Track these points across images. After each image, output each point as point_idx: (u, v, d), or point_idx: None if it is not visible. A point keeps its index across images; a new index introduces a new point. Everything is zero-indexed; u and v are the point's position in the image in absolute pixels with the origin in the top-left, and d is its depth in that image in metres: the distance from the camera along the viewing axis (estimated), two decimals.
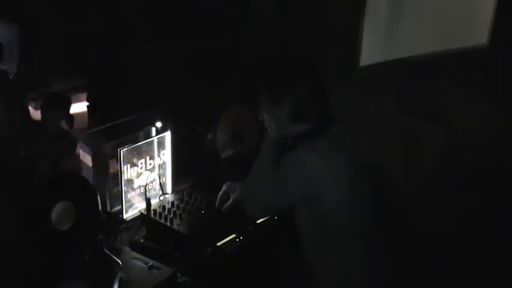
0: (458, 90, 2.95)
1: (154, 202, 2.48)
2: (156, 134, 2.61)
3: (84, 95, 2.85)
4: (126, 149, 2.41)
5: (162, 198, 2.54)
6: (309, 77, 2.00)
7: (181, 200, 2.51)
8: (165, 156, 2.62)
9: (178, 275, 2.10)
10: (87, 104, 2.72)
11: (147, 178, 2.51)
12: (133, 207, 2.51)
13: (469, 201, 3.05)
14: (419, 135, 2.88)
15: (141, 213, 2.43)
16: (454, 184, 3.06)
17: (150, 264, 2.08)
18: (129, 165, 2.45)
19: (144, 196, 2.49)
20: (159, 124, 2.64)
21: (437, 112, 2.98)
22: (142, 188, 2.52)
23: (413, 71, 2.79)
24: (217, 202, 2.42)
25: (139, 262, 2.10)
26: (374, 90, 2.75)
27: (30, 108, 2.72)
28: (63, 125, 2.61)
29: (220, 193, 2.43)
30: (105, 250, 2.08)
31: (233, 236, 2.25)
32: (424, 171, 3.02)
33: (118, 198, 2.47)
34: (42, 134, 2.62)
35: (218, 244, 2.20)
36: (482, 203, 3.03)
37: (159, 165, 2.60)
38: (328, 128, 2.05)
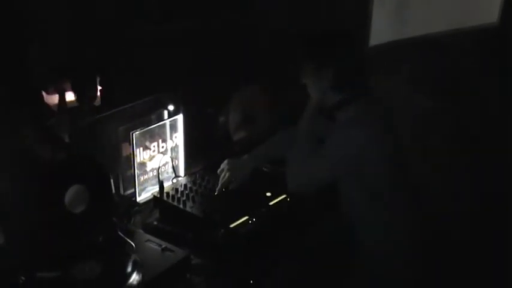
0: (469, 68, 2.91)
1: (167, 185, 2.49)
2: (169, 117, 2.61)
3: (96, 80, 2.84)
4: (138, 132, 2.41)
5: (174, 181, 2.55)
6: (351, 48, 2.16)
7: (194, 182, 2.51)
8: (178, 139, 2.62)
9: (192, 257, 2.11)
10: (100, 87, 2.71)
11: (160, 161, 2.52)
12: (146, 190, 2.52)
13: (483, 180, 3.02)
14: (430, 114, 2.86)
15: (154, 196, 2.44)
16: (467, 163, 3.04)
17: (164, 246, 2.09)
18: (141, 148, 2.45)
19: (157, 179, 2.49)
20: (171, 107, 2.64)
21: (449, 91, 2.95)
22: (155, 171, 2.52)
23: (424, 50, 2.76)
24: (219, 183, 2.42)
25: (152, 244, 2.11)
26: (384, 70, 2.72)
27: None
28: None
29: (223, 173, 2.43)
30: (119, 233, 2.09)
31: (246, 218, 2.25)
32: (436, 150, 3.00)
33: (131, 181, 2.48)
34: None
35: (231, 226, 2.20)
36: (496, 181, 3.01)
37: (171, 148, 2.60)
38: (364, 97, 2.18)
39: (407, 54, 2.61)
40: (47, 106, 2.63)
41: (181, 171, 2.66)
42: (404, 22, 2.49)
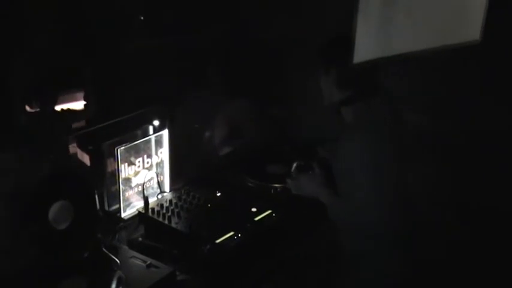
0: (452, 86, 2.96)
1: (152, 200, 2.48)
2: (154, 132, 2.61)
3: (81, 94, 2.84)
4: (123, 147, 2.41)
5: (160, 196, 2.54)
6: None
7: (179, 198, 2.51)
8: (163, 154, 2.62)
9: (177, 273, 2.11)
10: (85, 102, 2.70)
11: (145, 176, 2.51)
12: (131, 205, 2.51)
13: (474, 196, 3.05)
14: (416, 131, 2.89)
15: (139, 211, 2.43)
16: (457, 178, 3.07)
17: (149, 262, 2.08)
18: (126, 164, 2.45)
19: (142, 194, 2.49)
20: (156, 122, 2.64)
21: (434, 108, 3.00)
22: (140, 186, 2.51)
23: (408, 68, 2.80)
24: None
25: (137, 261, 2.10)
26: (369, 87, 2.75)
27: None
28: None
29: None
30: (103, 249, 2.08)
31: (231, 233, 2.25)
32: (425, 166, 3.02)
33: (116, 197, 2.47)
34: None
35: (217, 241, 2.20)
36: (488, 197, 3.03)
37: (156, 164, 2.60)
38: (369, 96, 2.28)
39: (391, 71, 2.64)
40: (29, 121, 2.62)
41: (167, 186, 2.66)
42: (388, 39, 2.52)
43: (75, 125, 2.59)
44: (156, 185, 2.59)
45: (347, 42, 2.16)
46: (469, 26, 2.72)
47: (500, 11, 2.67)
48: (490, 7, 2.63)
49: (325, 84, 2.35)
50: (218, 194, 2.55)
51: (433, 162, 3.07)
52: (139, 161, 2.50)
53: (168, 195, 2.56)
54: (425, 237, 2.53)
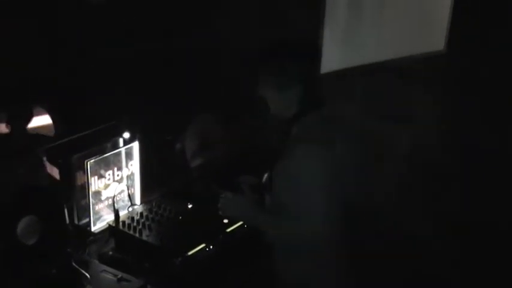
0: (418, 94, 3.01)
1: (122, 213, 2.47)
2: (124, 145, 2.59)
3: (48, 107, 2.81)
4: (93, 160, 2.39)
5: (130, 209, 2.52)
6: (305, 63, 2.10)
7: (150, 210, 2.49)
8: (133, 166, 2.60)
9: (148, 286, 2.09)
10: (52, 115, 2.68)
11: (115, 189, 2.50)
12: (102, 219, 2.49)
13: (437, 201, 3.10)
14: (383, 139, 2.94)
15: (109, 225, 2.41)
16: (421, 185, 3.12)
17: (120, 276, 2.07)
18: (96, 177, 2.43)
19: (112, 208, 2.47)
20: (126, 135, 2.62)
21: (399, 116, 3.04)
22: (110, 199, 2.50)
23: (374, 77, 2.84)
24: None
25: (108, 275, 2.08)
26: (336, 96, 2.78)
27: None
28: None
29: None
30: (73, 264, 2.06)
31: (203, 245, 2.24)
32: (390, 173, 3.07)
33: (86, 210, 2.44)
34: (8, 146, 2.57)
35: (188, 254, 2.19)
36: (449, 202, 3.09)
37: (127, 176, 2.58)
38: (316, 113, 2.13)
39: (358, 81, 2.68)
40: None
41: (137, 199, 2.64)
42: (355, 49, 2.55)
43: (43, 139, 2.57)
44: (126, 198, 2.57)
45: (306, 49, 2.12)
46: (434, 36, 2.79)
47: (463, 22, 2.74)
48: (453, 18, 2.70)
49: (273, 99, 2.17)
50: (189, 206, 2.54)
51: (394, 172, 3.10)
52: (109, 174, 2.49)
53: (138, 208, 2.55)
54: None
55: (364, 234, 2.44)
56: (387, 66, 2.44)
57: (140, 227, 2.35)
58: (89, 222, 2.44)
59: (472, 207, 3.10)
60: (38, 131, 2.64)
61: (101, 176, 2.45)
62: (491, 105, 3.14)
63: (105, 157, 2.45)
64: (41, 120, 2.64)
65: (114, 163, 2.50)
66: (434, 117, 3.04)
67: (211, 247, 2.25)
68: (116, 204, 2.46)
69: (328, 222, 2.06)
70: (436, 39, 2.74)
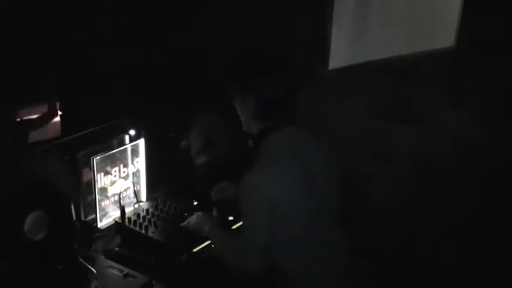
0: (426, 92, 3.00)
1: (128, 210, 2.48)
2: (130, 142, 2.61)
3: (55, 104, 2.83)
4: (99, 157, 2.40)
5: (136, 206, 2.54)
6: (279, 77, 1.99)
7: (155, 207, 2.51)
8: (139, 163, 2.62)
9: (154, 282, 2.10)
10: (60, 113, 2.69)
11: (121, 186, 2.51)
12: (108, 215, 2.50)
13: (441, 203, 3.10)
14: (388, 138, 2.93)
15: (115, 221, 2.42)
16: (425, 186, 3.11)
17: (125, 272, 2.08)
18: (102, 174, 2.44)
19: (118, 204, 2.48)
20: (132, 132, 2.64)
21: (406, 115, 3.03)
22: (116, 196, 2.51)
23: (382, 74, 2.84)
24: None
25: (114, 270, 2.10)
26: (343, 94, 2.78)
27: None
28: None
29: (191, 224, 2.31)
30: (80, 259, 2.07)
31: (208, 242, 2.25)
32: (395, 173, 3.07)
33: (92, 206, 2.46)
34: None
35: (193, 251, 2.20)
36: (454, 204, 3.08)
37: (133, 173, 2.59)
38: (286, 128, 2.04)
39: (365, 78, 2.67)
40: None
41: (143, 196, 2.65)
42: (363, 46, 2.55)
43: (50, 135, 2.59)
44: (132, 195, 2.58)
45: (276, 65, 1.99)
46: (443, 33, 2.77)
47: (474, 18, 2.72)
48: (463, 14, 2.67)
49: (241, 112, 2.10)
50: (195, 203, 2.55)
51: (394, 172, 3.07)
52: (115, 171, 2.50)
53: (144, 204, 2.56)
54: None
55: (364, 234, 2.43)
56: (395, 63, 2.43)
57: (146, 223, 2.36)
58: (95, 218, 2.45)
59: (472, 207, 3.10)
60: (45, 128, 2.65)
61: (107, 173, 2.46)
62: (498, 105, 3.13)
63: (111, 154, 2.47)
64: (48, 117, 2.66)
65: (120, 160, 2.52)
66: (440, 116, 3.03)
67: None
68: (122, 201, 2.47)
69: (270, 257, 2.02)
70: (445, 36, 2.72)
